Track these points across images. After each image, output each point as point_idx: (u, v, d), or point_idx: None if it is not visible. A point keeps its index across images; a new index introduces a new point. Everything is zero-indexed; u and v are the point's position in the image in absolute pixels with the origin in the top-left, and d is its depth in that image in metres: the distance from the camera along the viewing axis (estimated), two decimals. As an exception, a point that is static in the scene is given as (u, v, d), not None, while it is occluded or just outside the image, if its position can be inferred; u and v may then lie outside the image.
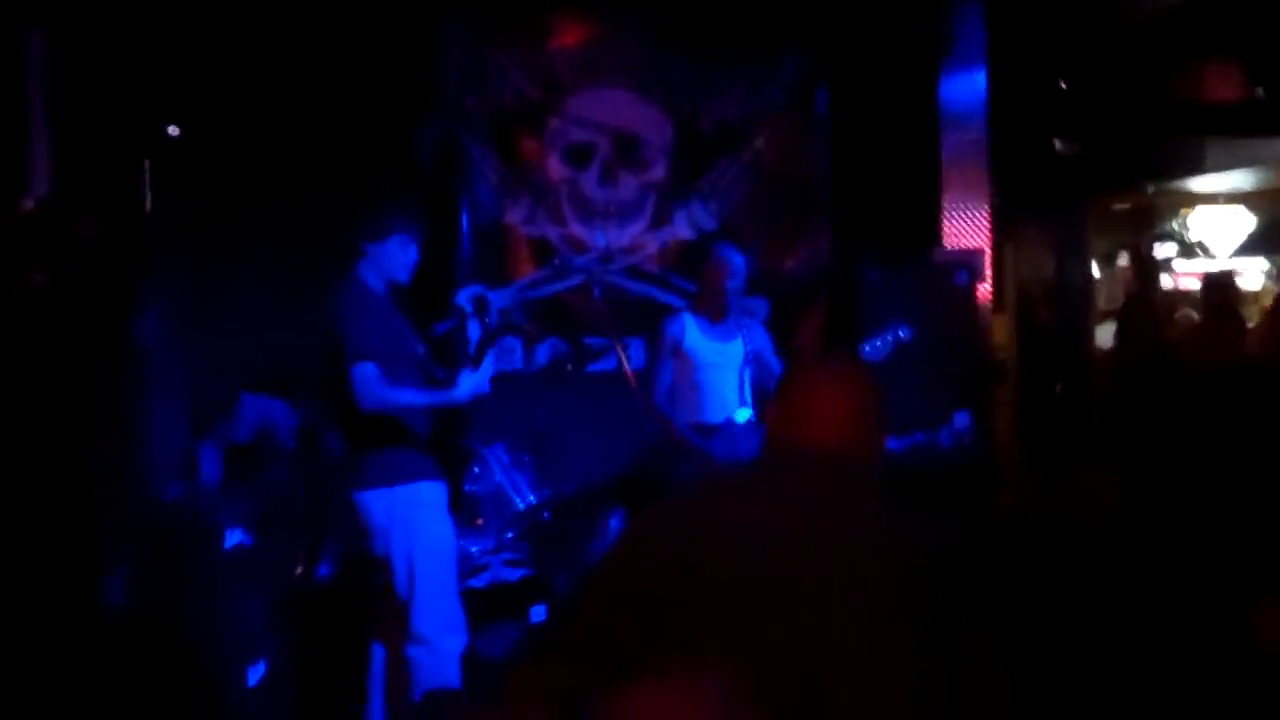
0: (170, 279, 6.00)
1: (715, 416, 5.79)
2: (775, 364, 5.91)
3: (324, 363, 4.61)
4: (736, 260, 5.81)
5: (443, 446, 4.79)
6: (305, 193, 6.56)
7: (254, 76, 6.58)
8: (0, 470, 3.88)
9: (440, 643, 4.66)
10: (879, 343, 5.70)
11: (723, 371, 5.82)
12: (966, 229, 7.56)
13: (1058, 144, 9.23)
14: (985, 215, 7.54)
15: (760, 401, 5.78)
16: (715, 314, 5.84)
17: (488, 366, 4.66)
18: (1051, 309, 9.86)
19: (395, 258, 4.72)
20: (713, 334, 5.84)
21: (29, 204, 4.07)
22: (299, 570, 5.98)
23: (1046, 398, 9.10)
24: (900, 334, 5.75)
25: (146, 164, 5.71)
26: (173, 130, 6.51)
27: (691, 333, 5.81)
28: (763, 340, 5.98)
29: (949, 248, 7.49)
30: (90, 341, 3.92)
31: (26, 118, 4.72)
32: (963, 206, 7.53)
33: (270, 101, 6.64)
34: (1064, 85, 8.62)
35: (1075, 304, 10.13)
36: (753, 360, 5.88)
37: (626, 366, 5.73)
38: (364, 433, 4.62)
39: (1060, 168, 9.25)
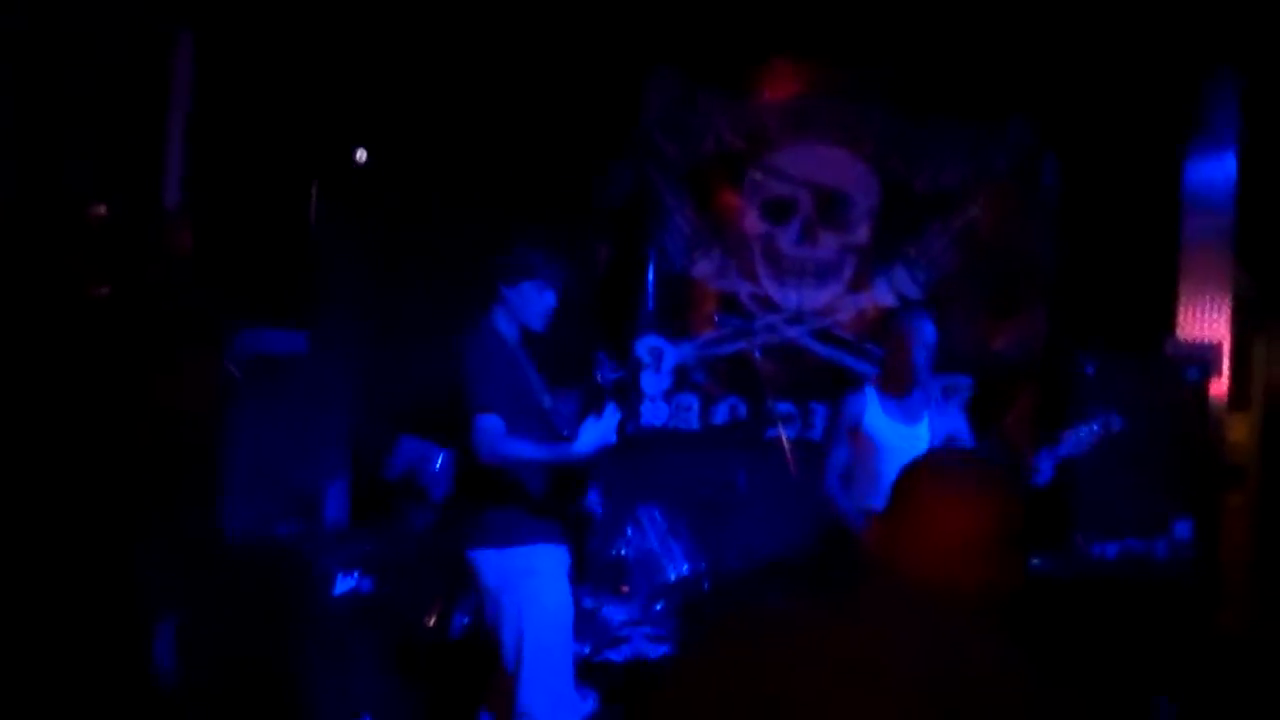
0: (330, 301, 5.80)
1: None
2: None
3: (451, 409, 4.30)
4: (927, 327, 5.21)
5: (567, 498, 4.37)
6: (484, 226, 6.32)
7: (441, 102, 6.37)
8: (42, 492, 3.64)
9: (547, 720, 4.26)
10: (1083, 433, 5.03)
11: (905, 456, 5.19)
12: (1205, 320, 6.80)
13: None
14: (1226, 307, 6.77)
15: None
16: (901, 389, 5.25)
17: (611, 417, 4.24)
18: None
19: (530, 303, 4.38)
20: (897, 414, 5.25)
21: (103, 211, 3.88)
22: (431, 621, 5.69)
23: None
24: (1110, 424, 5.06)
25: (314, 185, 5.51)
26: (360, 155, 6.36)
27: (873, 411, 5.24)
28: (958, 422, 5.39)
29: (1183, 340, 6.74)
30: (164, 364, 3.67)
31: (164, 122, 4.56)
32: (1202, 296, 6.78)
33: (455, 130, 6.43)
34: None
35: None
36: (941, 445, 5.28)
37: (784, 438, 5.21)
38: (479, 486, 4.29)
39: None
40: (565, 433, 4.33)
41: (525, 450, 4.22)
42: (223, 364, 3.89)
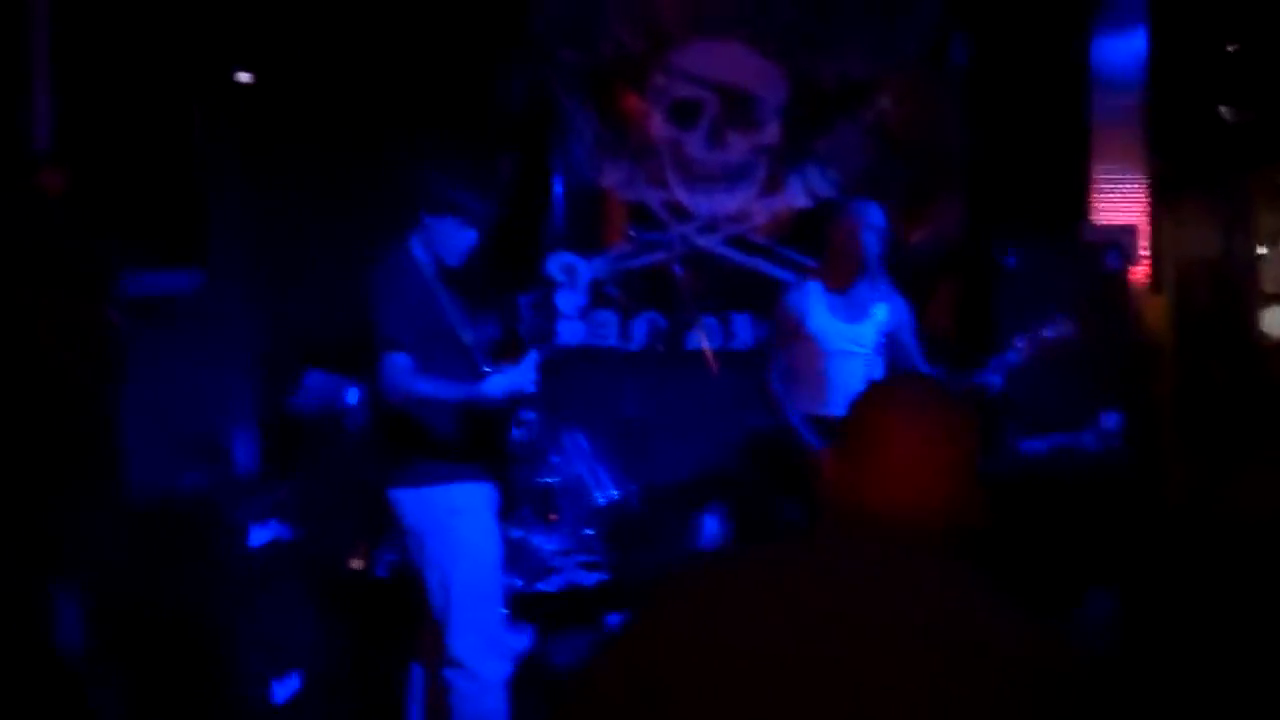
0: (220, 235, 5.47)
1: (837, 409, 4.99)
2: (913, 346, 5.12)
3: (362, 342, 4.05)
4: (875, 215, 4.96)
5: (492, 432, 4.15)
6: (376, 147, 6.01)
7: (323, 11, 6.01)
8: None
9: (479, 668, 4.07)
10: (1035, 339, 4.92)
11: (851, 360, 4.99)
12: (1119, 204, 6.71)
13: (1224, 111, 8.29)
14: (1141, 188, 6.68)
15: None
16: (847, 279, 4.99)
17: (529, 364, 4.02)
18: (1213, 291, 8.96)
19: (450, 238, 4.11)
20: (842, 313, 5.00)
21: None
22: (357, 563, 5.47)
23: (1207, 388, 8.23)
24: (1062, 330, 4.95)
25: (196, 111, 5.16)
26: (242, 76, 5.99)
27: (817, 311, 4.98)
28: (902, 316, 5.13)
29: (1098, 224, 6.64)
30: (45, 317, 3.37)
31: (29, 60, 4.19)
32: (1115, 178, 6.68)
33: (339, 45, 6.08)
34: (1231, 48, 7.69)
35: (1239, 285, 9.19)
36: (888, 342, 5.07)
37: (706, 347, 5.01)
38: (395, 424, 4.05)
39: (1226, 136, 8.33)
40: (486, 368, 4.11)
41: (433, 389, 3.97)
42: (109, 311, 3.59)
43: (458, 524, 4.03)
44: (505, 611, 4.24)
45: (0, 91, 4.17)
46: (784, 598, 1.68)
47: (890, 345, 5.07)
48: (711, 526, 6.32)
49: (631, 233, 6.61)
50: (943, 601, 1.66)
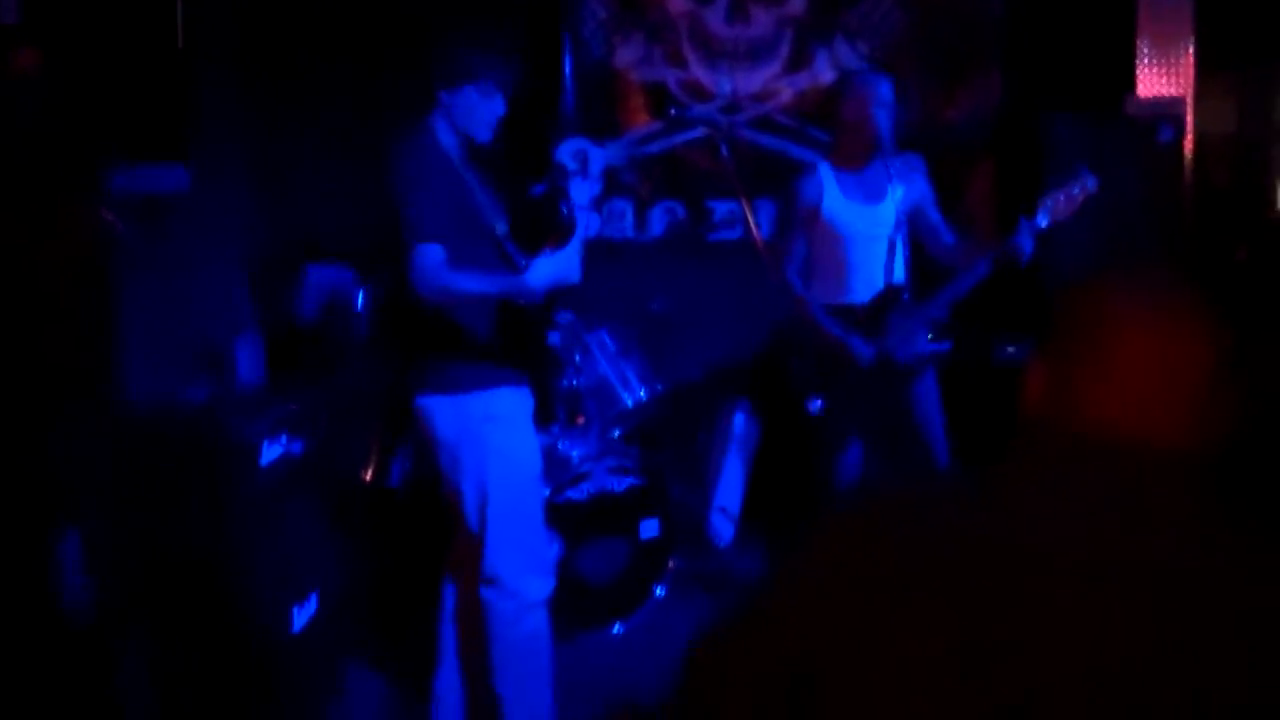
0: (209, 128, 5.03)
1: (861, 296, 4.68)
2: (939, 222, 4.79)
3: (384, 234, 3.65)
4: (883, 88, 4.62)
5: (530, 334, 3.80)
6: (378, 26, 5.56)
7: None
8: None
9: (518, 586, 3.77)
10: (1061, 198, 4.54)
11: (871, 243, 4.68)
12: (1164, 76, 6.29)
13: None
14: (1189, 61, 6.26)
15: (908, 272, 4.71)
16: (861, 159, 4.65)
17: (575, 249, 3.63)
18: (1230, 167, 8.61)
19: (474, 110, 3.71)
20: (857, 194, 4.68)
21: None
22: (367, 476, 5.13)
23: (1227, 266, 7.92)
24: (1087, 184, 4.57)
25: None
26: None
27: (831, 194, 4.66)
28: (922, 190, 4.81)
29: (1145, 97, 6.23)
30: (30, 215, 2.97)
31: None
32: (1161, 50, 6.25)
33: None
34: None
35: (1258, 162, 8.85)
36: (909, 218, 4.74)
37: (756, 233, 4.64)
38: (424, 326, 3.68)
39: (1255, 9, 7.91)
40: (522, 261, 3.72)
41: (472, 283, 3.60)
42: (100, 209, 3.20)
43: (494, 432, 3.70)
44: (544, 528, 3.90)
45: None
46: (985, 545, 1.36)
47: (913, 223, 4.76)
48: (739, 422, 6.02)
49: (673, 111, 6.16)
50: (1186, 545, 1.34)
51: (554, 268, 3.59)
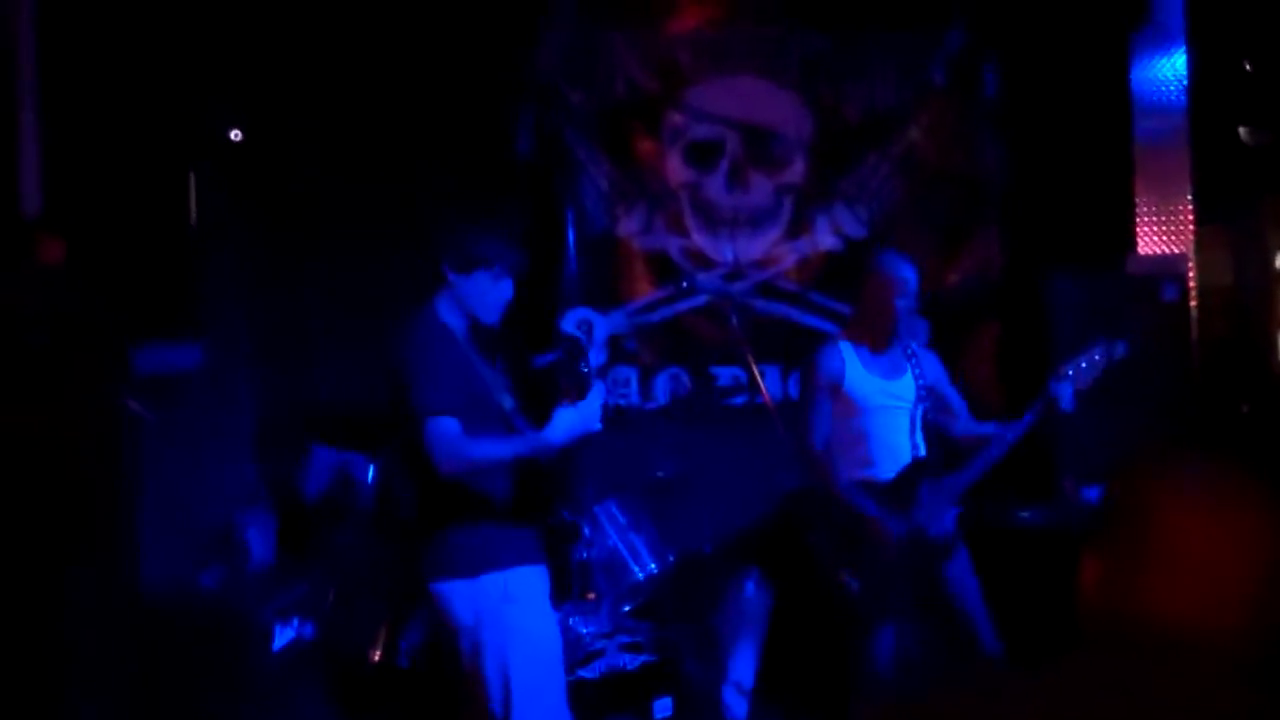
0: (222, 314, 5.02)
1: (886, 471, 4.62)
2: (955, 400, 4.77)
3: (391, 415, 3.61)
4: (907, 272, 4.64)
5: (541, 507, 3.74)
6: (385, 206, 5.59)
7: (317, 65, 5.60)
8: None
9: (545, 771, 3.62)
10: (1083, 364, 4.50)
11: (894, 416, 4.65)
12: (1163, 232, 6.35)
13: (1243, 133, 7.99)
14: (1188, 216, 6.32)
15: (932, 446, 4.65)
16: (880, 342, 4.67)
17: (595, 400, 3.61)
18: (1230, 319, 8.63)
19: (485, 294, 3.71)
20: (877, 368, 4.67)
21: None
22: (376, 655, 4.99)
23: (1232, 419, 7.88)
24: (1114, 351, 4.54)
25: (191, 174, 4.72)
26: (234, 134, 5.56)
27: (853, 369, 4.64)
28: (936, 370, 4.82)
29: (1146, 254, 6.27)
30: (55, 397, 2.93)
31: (15, 120, 3.75)
32: (1160, 206, 6.32)
33: (333, 101, 5.67)
34: (1250, 67, 7.38)
35: (1257, 313, 8.87)
36: (926, 398, 4.71)
37: (767, 398, 4.61)
38: (439, 504, 3.60)
39: (1246, 160, 8.02)
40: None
41: (493, 449, 3.57)
42: (119, 389, 3.15)
43: (514, 613, 3.60)
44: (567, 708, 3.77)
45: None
46: None
47: (930, 398, 4.72)
48: (750, 591, 5.90)
49: (685, 283, 6.16)
50: None
51: (574, 420, 3.56)
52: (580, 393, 3.62)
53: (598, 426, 3.64)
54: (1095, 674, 1.40)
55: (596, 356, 6.32)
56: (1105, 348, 4.55)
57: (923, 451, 4.66)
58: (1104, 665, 1.40)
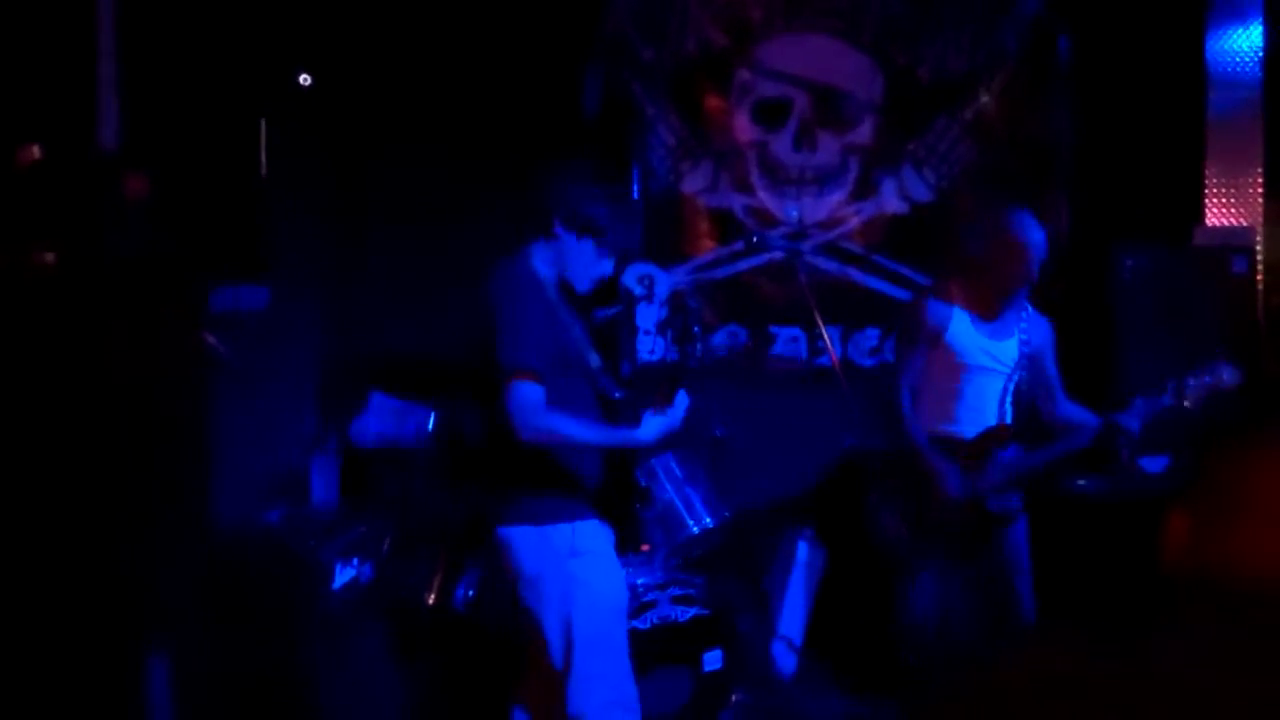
0: (289, 257, 5.06)
1: (968, 429, 4.57)
2: (1054, 376, 4.71)
3: (473, 357, 3.60)
4: (1038, 237, 4.51)
5: (626, 478, 3.77)
6: (454, 157, 5.61)
7: (387, 13, 5.62)
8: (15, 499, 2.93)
9: (604, 725, 3.66)
10: (1193, 383, 4.36)
11: (989, 377, 4.59)
12: (1232, 205, 6.27)
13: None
14: (1258, 189, 6.24)
15: (1021, 416, 4.60)
16: (995, 307, 4.57)
17: (680, 404, 3.60)
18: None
19: (585, 261, 3.70)
20: (985, 328, 4.60)
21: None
22: (431, 599, 5.05)
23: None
24: (1224, 376, 4.37)
25: (262, 123, 4.76)
26: (304, 79, 5.60)
27: (959, 322, 4.57)
28: (1045, 341, 4.71)
29: (1214, 226, 6.20)
30: (137, 335, 2.97)
31: (94, 59, 3.79)
32: (1230, 179, 6.23)
33: (407, 50, 5.69)
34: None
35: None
36: (1027, 363, 4.64)
37: (832, 354, 4.58)
38: (511, 458, 3.62)
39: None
40: (616, 394, 3.69)
41: (578, 430, 3.57)
42: (199, 327, 3.19)
43: (580, 567, 3.63)
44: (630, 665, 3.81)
45: (68, 94, 3.77)
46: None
47: (1030, 367, 4.64)
48: (803, 551, 5.92)
49: (755, 237, 6.15)
50: None
51: (665, 423, 3.57)
52: (671, 396, 3.62)
53: (679, 425, 3.65)
54: (1185, 633, 1.40)
55: (659, 312, 6.33)
56: (1217, 371, 4.38)
57: (1007, 418, 4.60)
58: (1192, 624, 1.40)
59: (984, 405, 4.58)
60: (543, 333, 3.53)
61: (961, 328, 4.55)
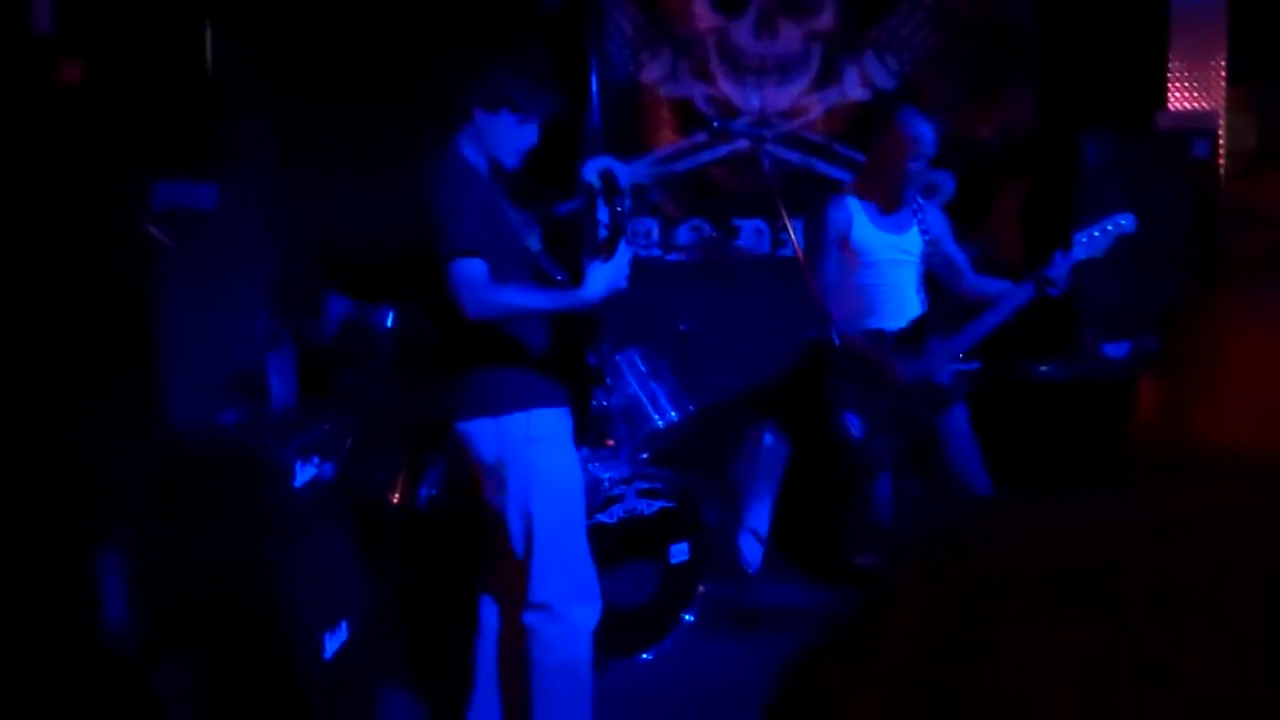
0: (238, 148, 4.94)
1: (893, 322, 4.70)
2: (958, 255, 4.81)
3: (415, 254, 3.56)
4: (925, 131, 4.61)
5: (577, 350, 3.72)
6: (405, 47, 5.48)
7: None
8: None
9: (566, 612, 3.67)
10: (1096, 232, 4.56)
11: (899, 269, 4.74)
12: (1195, 90, 6.22)
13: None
14: (1220, 74, 6.19)
15: (936, 302, 4.71)
16: (890, 200, 4.69)
17: (623, 257, 3.54)
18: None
19: (508, 136, 3.61)
20: (884, 223, 4.71)
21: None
22: (394, 498, 5.03)
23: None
24: (1121, 223, 4.59)
25: (207, 20, 4.61)
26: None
27: (860, 222, 4.69)
28: (940, 225, 4.87)
29: (1177, 110, 6.16)
30: (75, 225, 2.88)
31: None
32: (1193, 63, 6.18)
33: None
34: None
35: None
36: (931, 251, 4.80)
37: (796, 246, 4.58)
38: (465, 346, 3.58)
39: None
40: (559, 276, 3.64)
41: (522, 299, 3.51)
42: (143, 220, 3.11)
43: (538, 454, 3.59)
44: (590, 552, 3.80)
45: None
46: (1103, 566, 1.25)
47: (933, 253, 4.79)
48: (768, 443, 5.93)
49: (715, 124, 6.07)
50: None
51: (608, 276, 3.50)
52: (612, 247, 3.56)
53: (624, 284, 3.59)
54: (1160, 496, 1.38)
55: (622, 208, 6.27)
56: (1114, 220, 4.59)
57: (925, 306, 4.73)
58: (1188, 490, 1.38)
59: (903, 297, 4.74)
60: (479, 215, 3.48)
61: (864, 228, 4.68)
